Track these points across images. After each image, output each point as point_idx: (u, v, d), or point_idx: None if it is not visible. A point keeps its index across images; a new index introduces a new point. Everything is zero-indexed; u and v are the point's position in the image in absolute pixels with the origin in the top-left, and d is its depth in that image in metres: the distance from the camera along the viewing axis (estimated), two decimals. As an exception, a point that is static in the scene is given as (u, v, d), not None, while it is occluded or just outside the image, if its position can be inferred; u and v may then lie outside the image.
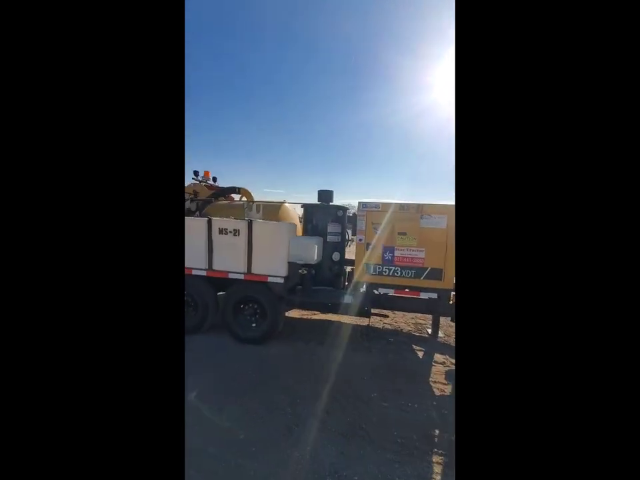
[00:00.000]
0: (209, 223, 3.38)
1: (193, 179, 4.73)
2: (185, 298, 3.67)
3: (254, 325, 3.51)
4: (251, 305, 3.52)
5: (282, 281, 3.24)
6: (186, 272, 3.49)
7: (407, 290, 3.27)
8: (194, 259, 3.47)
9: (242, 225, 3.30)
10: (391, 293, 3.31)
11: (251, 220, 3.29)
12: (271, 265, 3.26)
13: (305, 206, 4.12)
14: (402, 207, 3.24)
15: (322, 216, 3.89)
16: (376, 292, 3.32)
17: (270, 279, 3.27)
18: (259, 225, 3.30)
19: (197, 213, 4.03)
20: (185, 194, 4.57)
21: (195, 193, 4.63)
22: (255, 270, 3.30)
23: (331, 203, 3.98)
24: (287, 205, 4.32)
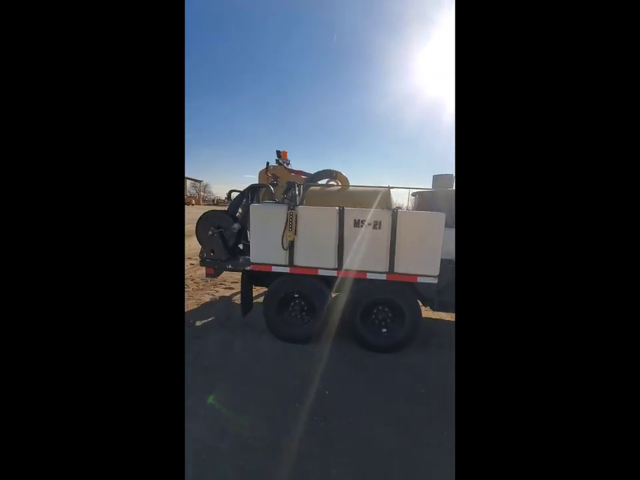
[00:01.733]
0: (341, 213, 2.81)
1: (276, 160, 4.04)
2: (297, 301, 3.15)
3: (384, 330, 3.07)
4: (381, 308, 3.06)
5: (435, 280, 2.79)
6: (308, 272, 2.94)
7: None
8: (318, 256, 2.91)
9: (385, 216, 2.76)
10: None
11: (396, 209, 2.76)
12: (421, 262, 2.79)
13: (420, 193, 3.63)
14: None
15: (445, 205, 3.42)
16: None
17: (420, 279, 2.80)
18: (408, 216, 2.78)
19: (304, 201, 3.41)
20: (265, 178, 3.90)
21: (275, 177, 3.97)
22: (399, 269, 2.81)
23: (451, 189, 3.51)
24: (391, 191, 3.79)
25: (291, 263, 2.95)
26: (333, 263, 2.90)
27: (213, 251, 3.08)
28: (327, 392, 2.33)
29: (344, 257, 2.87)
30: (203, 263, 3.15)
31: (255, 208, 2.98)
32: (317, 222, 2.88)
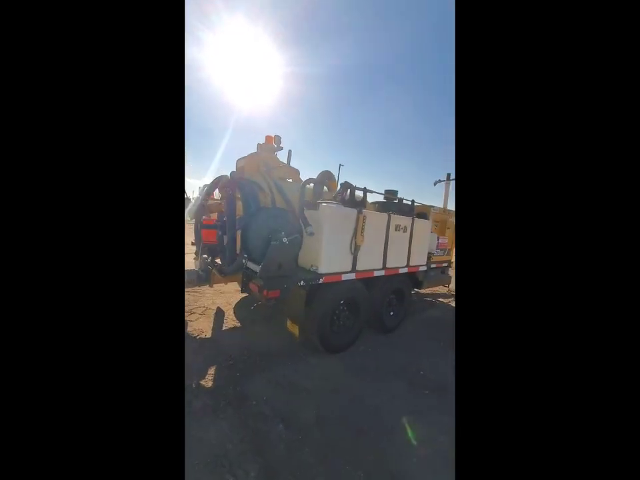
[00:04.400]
0: (389, 218, 3.15)
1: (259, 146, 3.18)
2: (341, 308, 3.05)
3: (392, 313, 3.79)
4: (392, 297, 3.73)
5: (425, 268, 3.90)
6: (368, 275, 2.99)
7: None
8: (375, 259, 3.07)
9: (409, 222, 3.46)
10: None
11: (414, 216, 3.54)
12: (421, 256, 3.78)
13: (387, 204, 4.54)
14: (446, 210, 5.04)
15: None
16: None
17: (420, 269, 3.79)
18: (419, 222, 3.64)
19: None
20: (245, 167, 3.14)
21: (268, 168, 3.25)
22: (412, 263, 3.63)
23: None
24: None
25: (354, 269, 2.84)
26: (380, 263, 3.17)
27: (281, 265, 2.18)
28: (421, 372, 2.75)
29: (387, 258, 3.24)
30: (268, 285, 2.11)
31: (329, 209, 2.53)
32: (375, 226, 3.00)
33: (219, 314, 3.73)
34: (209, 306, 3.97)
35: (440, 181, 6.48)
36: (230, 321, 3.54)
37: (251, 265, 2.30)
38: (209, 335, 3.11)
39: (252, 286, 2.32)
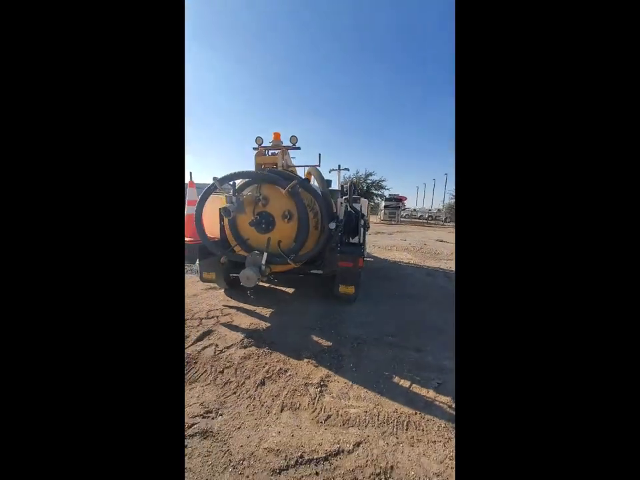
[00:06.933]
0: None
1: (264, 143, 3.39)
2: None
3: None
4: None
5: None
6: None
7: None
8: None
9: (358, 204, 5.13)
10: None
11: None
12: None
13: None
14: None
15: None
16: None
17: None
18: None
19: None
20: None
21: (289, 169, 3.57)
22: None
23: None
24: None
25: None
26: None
27: (363, 244, 3.11)
28: (395, 293, 4.79)
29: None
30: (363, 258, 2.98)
31: (364, 201, 3.67)
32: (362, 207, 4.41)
33: (236, 315, 3.63)
34: (199, 311, 3.62)
35: (334, 169, 8.41)
36: (259, 312, 3.68)
37: (344, 249, 3.06)
38: (268, 324, 3.30)
39: (343, 263, 3.08)
